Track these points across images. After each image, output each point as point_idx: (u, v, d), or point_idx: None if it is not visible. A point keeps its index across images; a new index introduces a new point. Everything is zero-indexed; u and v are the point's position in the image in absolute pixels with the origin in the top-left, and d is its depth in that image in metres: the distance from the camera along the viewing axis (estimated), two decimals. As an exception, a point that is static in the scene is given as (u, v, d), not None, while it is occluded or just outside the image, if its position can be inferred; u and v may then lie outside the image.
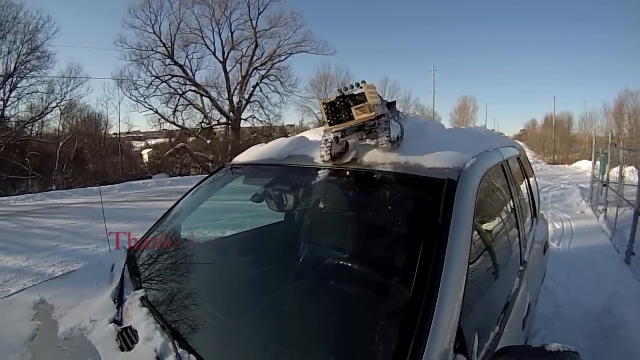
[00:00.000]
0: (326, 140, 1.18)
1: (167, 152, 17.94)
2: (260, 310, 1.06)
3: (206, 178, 1.65)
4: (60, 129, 15.61)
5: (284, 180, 1.22)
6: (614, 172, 6.35)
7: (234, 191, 1.52)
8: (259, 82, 19.50)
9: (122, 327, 0.97)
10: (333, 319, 0.96)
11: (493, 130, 4.78)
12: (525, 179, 2.09)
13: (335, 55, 24.63)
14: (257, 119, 19.95)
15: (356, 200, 1.20)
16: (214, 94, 18.96)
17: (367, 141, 1.20)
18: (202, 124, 18.98)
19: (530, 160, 2.77)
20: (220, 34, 18.69)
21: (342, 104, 1.10)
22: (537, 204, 2.28)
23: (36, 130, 15.17)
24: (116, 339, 0.93)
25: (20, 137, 13.95)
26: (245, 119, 19.85)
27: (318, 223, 1.36)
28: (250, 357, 0.89)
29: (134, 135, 22.04)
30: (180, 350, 0.84)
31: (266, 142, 1.62)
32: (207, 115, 19.05)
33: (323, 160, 1.18)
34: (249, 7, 18.39)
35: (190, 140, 18.97)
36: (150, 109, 17.80)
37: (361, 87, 1.08)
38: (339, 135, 1.16)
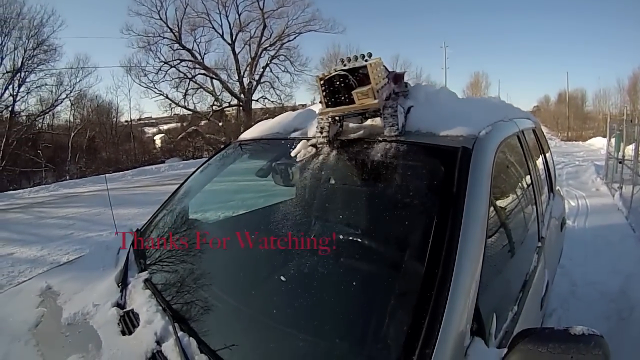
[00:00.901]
0: (322, 128, 1.09)
1: (180, 137, 17.96)
2: (265, 292, 1.02)
3: (213, 155, 1.60)
4: (72, 119, 15.66)
5: (289, 154, 1.16)
6: (629, 149, 6.12)
7: (242, 168, 1.48)
8: (268, 62, 19.11)
9: (124, 310, 0.95)
10: (342, 299, 0.91)
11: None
12: (542, 152, 1.99)
13: (344, 34, 24.67)
14: (269, 100, 19.61)
15: (365, 172, 1.12)
16: (224, 76, 18.69)
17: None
18: (214, 107, 18.76)
19: (545, 136, 2.66)
20: (227, 16, 18.25)
21: (342, 83, 0.99)
22: (554, 179, 2.18)
23: (48, 122, 15.30)
24: (118, 323, 0.91)
25: (32, 130, 14.08)
26: (257, 100, 19.55)
27: (326, 199, 1.31)
28: (252, 339, 0.86)
29: (146, 121, 22.01)
30: (180, 333, 0.81)
31: None
32: (218, 98, 18.82)
33: (319, 143, 1.11)
34: (256, -12, 17.89)
35: (202, 123, 18.91)
36: (161, 94, 17.65)
37: (366, 60, 0.98)
38: (337, 119, 1.08)
